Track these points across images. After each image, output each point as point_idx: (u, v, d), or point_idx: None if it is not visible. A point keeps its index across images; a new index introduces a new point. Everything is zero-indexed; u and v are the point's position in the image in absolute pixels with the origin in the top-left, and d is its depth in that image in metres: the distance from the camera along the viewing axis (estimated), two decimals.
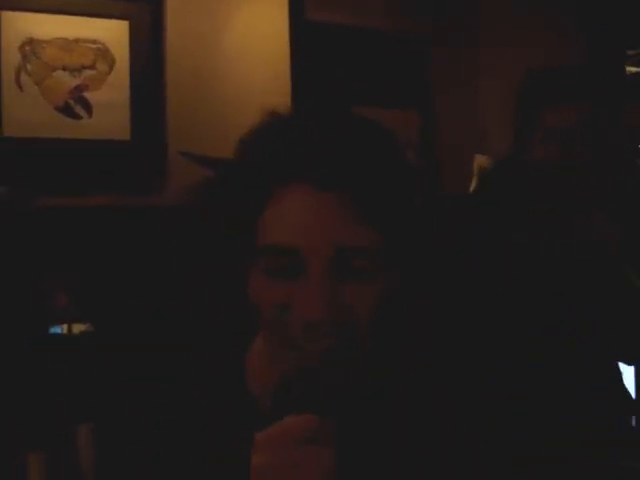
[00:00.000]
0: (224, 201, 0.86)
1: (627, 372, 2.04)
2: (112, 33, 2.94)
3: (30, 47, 2.81)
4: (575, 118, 1.60)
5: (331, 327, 0.78)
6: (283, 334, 0.81)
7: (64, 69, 2.86)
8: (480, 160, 3.66)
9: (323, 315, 0.77)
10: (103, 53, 2.92)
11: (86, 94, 2.89)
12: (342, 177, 0.77)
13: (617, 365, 1.78)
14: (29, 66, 2.81)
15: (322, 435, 0.71)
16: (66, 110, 2.86)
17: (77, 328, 2.64)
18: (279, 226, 0.79)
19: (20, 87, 2.79)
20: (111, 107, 2.92)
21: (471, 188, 2.84)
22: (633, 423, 1.84)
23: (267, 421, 0.74)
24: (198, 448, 0.90)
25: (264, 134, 0.83)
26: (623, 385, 1.79)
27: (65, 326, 2.64)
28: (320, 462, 0.70)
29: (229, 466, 0.85)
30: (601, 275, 1.60)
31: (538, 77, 1.72)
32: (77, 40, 2.89)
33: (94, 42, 2.91)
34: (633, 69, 3.61)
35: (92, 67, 2.90)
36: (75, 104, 2.87)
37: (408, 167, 0.86)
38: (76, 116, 2.88)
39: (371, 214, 0.77)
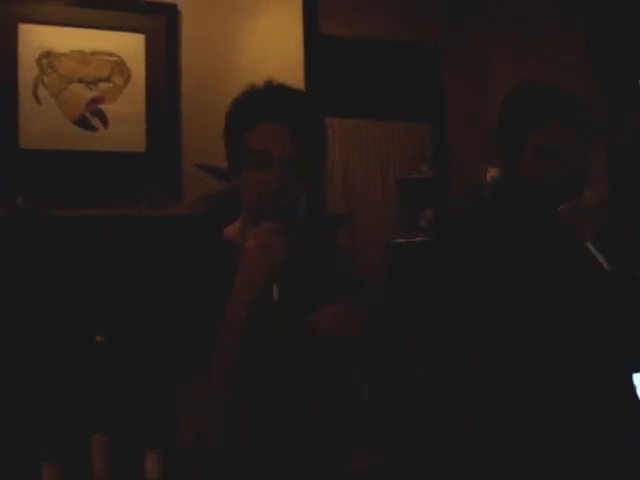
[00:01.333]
0: (233, 128, 1.50)
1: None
2: (128, 46, 2.97)
3: (47, 60, 2.85)
4: (562, 136, 1.69)
5: (285, 193, 1.39)
6: (258, 203, 1.41)
7: (80, 82, 2.90)
8: (492, 172, 3.67)
9: (282, 182, 1.39)
10: (119, 66, 2.95)
11: (102, 106, 2.92)
12: (290, 116, 1.44)
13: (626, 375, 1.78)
14: (46, 79, 2.84)
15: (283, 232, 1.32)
16: (82, 122, 2.89)
17: (93, 339, 2.65)
18: (257, 140, 1.43)
19: (37, 100, 2.83)
20: (127, 119, 2.95)
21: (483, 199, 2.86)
22: None
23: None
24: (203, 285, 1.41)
25: (253, 94, 1.50)
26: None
27: (82, 336, 2.65)
28: (282, 245, 1.30)
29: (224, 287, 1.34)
30: (574, 261, 1.67)
31: (523, 96, 1.81)
32: (93, 53, 2.92)
33: (110, 55, 2.94)
34: None
35: (108, 80, 2.93)
36: (91, 116, 2.90)
37: (320, 119, 1.55)
38: (92, 128, 2.90)
39: (301, 140, 1.44)
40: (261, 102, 1.48)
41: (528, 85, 1.82)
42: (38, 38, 2.84)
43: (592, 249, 1.61)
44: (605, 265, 1.59)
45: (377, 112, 4.42)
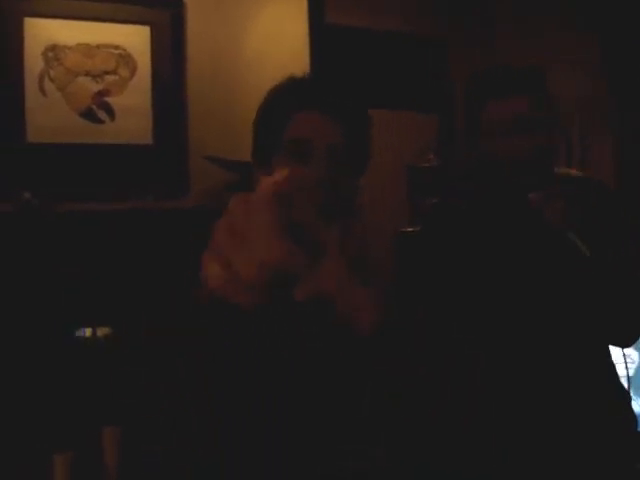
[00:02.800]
0: (268, 119, 1.39)
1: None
2: (134, 38, 2.97)
3: (53, 53, 2.85)
4: (511, 110, 1.65)
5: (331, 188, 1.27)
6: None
7: (87, 74, 2.90)
8: None
9: (326, 175, 1.28)
10: (125, 58, 2.95)
11: (108, 99, 2.92)
12: (334, 107, 1.34)
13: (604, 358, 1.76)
14: (52, 72, 2.85)
15: None
16: (89, 115, 2.89)
17: (102, 331, 2.67)
18: (299, 128, 1.32)
19: (43, 93, 2.83)
20: (133, 112, 2.95)
21: None
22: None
23: None
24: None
25: (292, 83, 1.41)
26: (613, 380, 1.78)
27: (90, 329, 2.66)
28: None
29: None
30: (550, 245, 1.64)
31: (478, 77, 1.77)
32: (99, 46, 2.92)
33: (116, 48, 2.94)
34: None
35: (114, 72, 2.93)
36: (98, 109, 2.90)
37: (363, 110, 1.44)
38: (99, 121, 2.91)
39: (344, 129, 1.34)
40: (301, 90, 1.40)
41: (483, 70, 1.80)
42: (44, 31, 2.84)
43: (569, 235, 1.59)
44: (584, 250, 1.58)
45: (383, 102, 4.41)
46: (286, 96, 1.39)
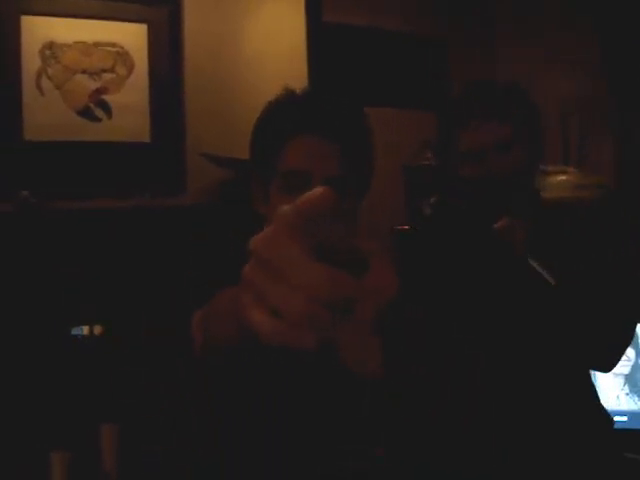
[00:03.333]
0: (262, 142, 1.27)
1: None
2: (131, 36, 2.97)
3: (50, 51, 2.84)
4: (483, 137, 1.63)
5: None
6: None
7: (84, 72, 2.89)
8: None
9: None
10: (122, 56, 2.95)
11: (106, 97, 2.92)
12: (336, 131, 1.21)
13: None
14: (49, 70, 2.84)
15: None
16: (86, 113, 2.89)
17: (99, 329, 2.66)
18: (296, 158, 1.20)
19: (41, 91, 2.82)
20: (131, 110, 2.95)
21: None
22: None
23: None
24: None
25: (287, 102, 1.27)
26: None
27: (87, 327, 2.66)
28: None
29: None
30: (512, 274, 1.63)
31: (451, 105, 1.77)
32: (96, 44, 2.92)
33: (113, 45, 2.94)
34: None
35: (112, 70, 2.93)
36: (95, 107, 2.90)
37: (368, 132, 1.32)
38: (96, 119, 2.90)
39: (345, 155, 1.21)
40: (298, 111, 1.26)
41: (458, 97, 1.79)
42: (41, 29, 2.83)
43: (534, 264, 1.58)
44: (549, 279, 1.56)
45: (381, 100, 4.41)
46: (281, 117, 1.27)
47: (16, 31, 2.79)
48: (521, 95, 1.72)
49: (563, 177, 3.30)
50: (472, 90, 1.72)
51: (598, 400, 1.77)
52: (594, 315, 1.60)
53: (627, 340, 1.69)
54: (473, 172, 1.66)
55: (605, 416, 1.76)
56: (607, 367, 1.73)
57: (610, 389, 2.57)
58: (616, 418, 1.86)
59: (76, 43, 2.88)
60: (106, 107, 2.91)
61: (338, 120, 1.24)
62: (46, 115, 2.83)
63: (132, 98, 2.95)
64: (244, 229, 1.18)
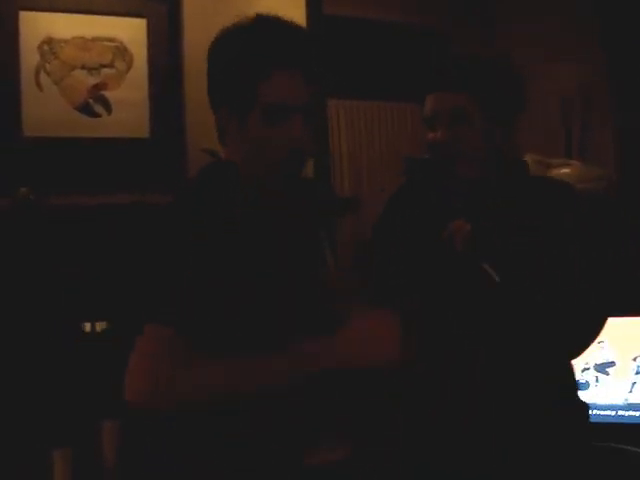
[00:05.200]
0: (239, 75, 1.32)
1: None
2: (130, 31, 2.95)
3: (49, 46, 2.83)
4: (434, 105, 1.68)
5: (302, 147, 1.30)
6: (272, 157, 1.30)
7: (83, 68, 2.88)
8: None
9: (302, 134, 1.28)
10: (121, 51, 2.93)
11: (105, 93, 2.90)
12: (308, 65, 1.31)
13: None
14: (48, 66, 2.83)
15: None
16: (85, 109, 2.88)
17: (101, 326, 2.66)
18: (277, 92, 1.28)
19: (39, 87, 2.81)
20: (130, 105, 2.93)
21: None
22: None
23: None
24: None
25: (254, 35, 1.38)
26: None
27: (88, 324, 2.66)
28: None
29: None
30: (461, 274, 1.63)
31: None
32: (95, 39, 2.90)
33: (112, 40, 2.92)
34: None
35: (111, 65, 2.91)
36: (94, 103, 2.89)
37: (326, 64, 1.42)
38: (95, 115, 2.89)
39: (313, 86, 1.31)
40: (270, 46, 1.33)
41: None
42: (39, 25, 2.82)
43: (484, 265, 1.57)
44: (495, 278, 1.55)
45: (382, 93, 4.39)
46: (255, 53, 1.34)
47: (14, 27, 2.77)
48: (486, 65, 1.72)
49: (566, 170, 3.30)
50: (435, 61, 1.78)
51: (573, 389, 1.76)
52: (544, 308, 1.59)
53: (592, 329, 1.67)
54: (428, 138, 1.70)
55: (579, 406, 1.75)
56: (571, 355, 1.72)
57: None
58: None
59: (75, 38, 2.87)
60: (105, 103, 2.90)
61: (308, 54, 1.34)
62: (45, 111, 2.81)
63: (131, 93, 2.94)
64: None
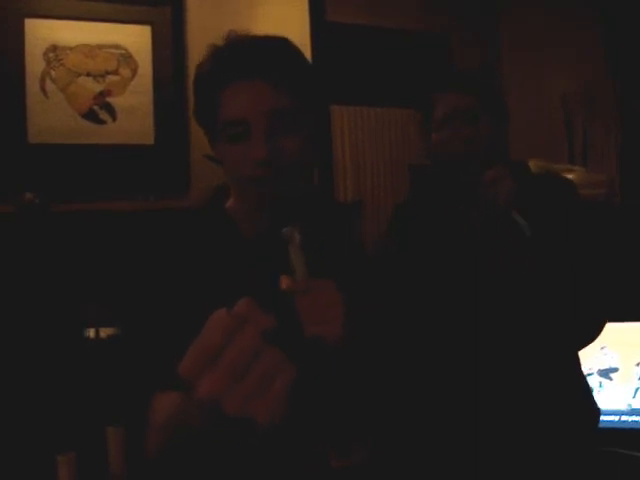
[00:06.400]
0: (200, 94, 1.28)
1: None
2: (134, 38, 2.97)
3: (54, 54, 2.85)
4: (452, 104, 1.74)
5: (274, 163, 1.17)
6: (242, 176, 1.22)
7: (88, 75, 2.89)
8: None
9: (266, 154, 1.16)
10: (126, 58, 2.95)
11: (110, 99, 2.92)
12: (264, 67, 1.19)
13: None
14: (53, 73, 2.84)
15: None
16: (91, 116, 2.89)
17: (105, 332, 2.66)
18: (231, 107, 1.20)
19: (45, 93, 2.83)
20: (135, 112, 2.95)
21: None
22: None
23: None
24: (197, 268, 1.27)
25: (217, 53, 1.27)
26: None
27: (93, 330, 2.66)
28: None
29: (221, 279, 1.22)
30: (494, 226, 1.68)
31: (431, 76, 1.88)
32: (100, 46, 2.92)
33: (117, 47, 2.94)
34: None
35: (115, 72, 2.93)
36: (99, 110, 2.90)
37: (305, 65, 1.30)
38: (100, 121, 2.91)
39: (284, 89, 1.19)
40: (220, 63, 1.25)
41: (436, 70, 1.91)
42: (44, 32, 2.83)
43: (515, 217, 1.61)
44: (526, 231, 1.59)
45: (385, 99, 4.40)
46: (209, 73, 1.27)
47: (20, 34, 2.79)
48: (487, 71, 1.85)
49: (569, 176, 3.30)
50: (443, 69, 1.87)
51: (587, 392, 1.77)
52: (567, 276, 1.63)
53: (602, 312, 1.70)
54: (442, 136, 1.75)
55: (589, 408, 1.76)
56: (585, 339, 1.74)
57: None
58: None
59: (80, 45, 2.88)
60: (110, 109, 2.91)
61: (264, 59, 1.22)
62: (50, 118, 2.83)
63: (136, 100, 2.95)
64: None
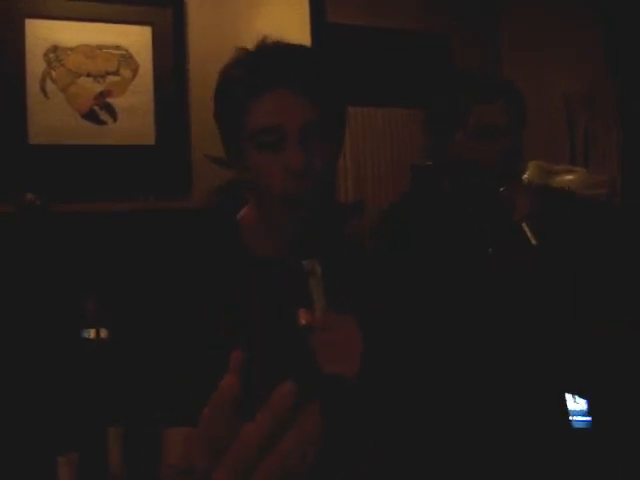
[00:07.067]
0: (229, 100, 1.24)
1: None
2: (135, 39, 2.97)
3: (54, 54, 2.85)
4: (494, 116, 1.71)
5: (307, 175, 1.16)
6: (273, 189, 1.18)
7: (88, 75, 2.89)
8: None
9: (302, 164, 1.15)
10: (126, 59, 2.95)
11: (110, 100, 2.92)
12: (302, 81, 1.18)
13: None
14: (54, 73, 2.84)
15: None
16: (91, 116, 2.89)
17: (105, 332, 2.66)
18: (267, 115, 1.18)
19: (45, 94, 2.83)
20: (135, 112, 2.94)
21: None
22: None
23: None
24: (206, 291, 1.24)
25: (247, 59, 1.26)
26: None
27: (93, 331, 2.66)
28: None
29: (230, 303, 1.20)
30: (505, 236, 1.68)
31: (458, 79, 1.86)
32: (100, 46, 2.92)
33: (117, 48, 2.94)
34: None
35: (116, 73, 2.93)
36: (100, 110, 2.90)
37: (337, 78, 1.26)
38: (101, 122, 2.90)
39: (317, 102, 1.18)
40: (256, 69, 1.21)
41: (460, 73, 1.87)
42: (45, 33, 2.83)
43: (526, 229, 1.61)
44: (533, 241, 1.59)
45: (387, 100, 4.40)
46: (241, 78, 1.22)
47: (20, 34, 2.79)
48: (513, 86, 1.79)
49: (570, 177, 3.30)
50: (479, 73, 1.82)
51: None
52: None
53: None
54: (478, 147, 1.71)
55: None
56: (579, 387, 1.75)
57: None
58: None
59: (80, 46, 2.88)
60: (111, 110, 2.91)
61: (300, 69, 1.20)
62: (51, 118, 2.83)
63: (137, 101, 2.95)
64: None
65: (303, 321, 1.08)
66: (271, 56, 1.23)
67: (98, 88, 2.91)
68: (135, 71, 2.96)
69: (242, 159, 1.23)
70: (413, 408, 1.30)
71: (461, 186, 1.78)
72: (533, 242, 1.59)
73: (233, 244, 1.29)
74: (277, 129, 1.17)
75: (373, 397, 1.16)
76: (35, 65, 2.81)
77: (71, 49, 2.87)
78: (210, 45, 3.11)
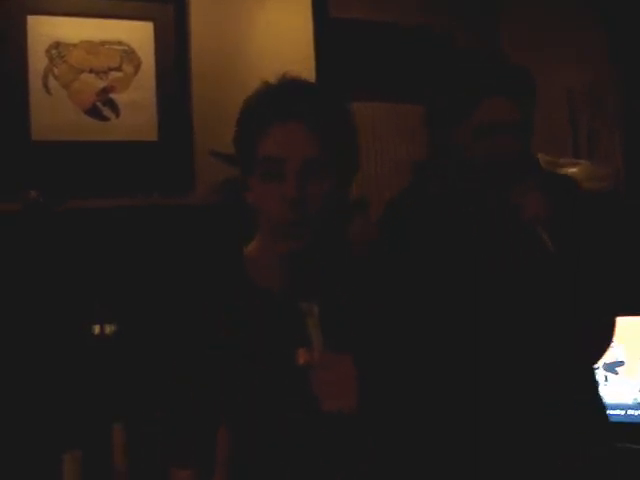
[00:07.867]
0: (242, 132, 1.33)
1: None
2: (137, 34, 2.96)
3: (57, 51, 2.84)
4: (500, 111, 1.63)
5: (302, 206, 1.22)
6: (275, 221, 1.25)
7: (91, 71, 2.89)
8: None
9: (298, 194, 1.22)
10: (129, 55, 2.94)
11: (113, 96, 2.91)
12: (310, 116, 1.25)
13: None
14: (56, 69, 2.84)
15: None
16: (94, 112, 2.88)
17: (109, 329, 2.66)
18: (273, 144, 1.25)
19: (48, 91, 2.82)
20: (138, 108, 2.94)
21: None
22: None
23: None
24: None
25: (261, 94, 1.32)
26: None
27: (98, 327, 2.66)
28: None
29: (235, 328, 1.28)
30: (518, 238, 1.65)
31: (468, 72, 1.75)
32: (103, 42, 2.91)
33: (120, 44, 2.93)
34: None
35: (118, 69, 2.92)
36: (103, 106, 2.89)
37: (345, 113, 1.33)
38: (104, 118, 2.90)
39: (322, 139, 1.25)
40: (270, 101, 1.29)
41: (469, 64, 1.79)
42: (47, 29, 2.83)
43: (542, 234, 1.58)
44: (550, 247, 1.56)
45: (390, 95, 4.38)
46: (257, 108, 1.31)
47: (22, 31, 2.78)
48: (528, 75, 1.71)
49: (574, 169, 3.29)
50: (489, 63, 1.73)
51: (595, 391, 1.76)
52: (588, 294, 1.61)
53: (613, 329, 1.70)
54: (485, 144, 1.65)
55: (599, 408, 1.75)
56: (594, 355, 1.74)
57: None
58: None
59: (82, 42, 2.87)
60: (113, 106, 2.91)
61: (311, 106, 1.27)
62: (53, 115, 2.82)
63: (139, 96, 2.95)
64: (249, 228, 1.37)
65: (301, 360, 1.14)
66: (287, 90, 1.31)
67: (100, 84, 2.90)
68: (137, 67, 2.95)
69: (250, 190, 1.32)
70: (413, 408, 1.31)
71: (462, 185, 1.74)
72: (550, 248, 1.56)
73: (237, 274, 1.36)
74: (278, 159, 1.25)
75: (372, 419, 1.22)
76: (37, 61, 2.80)
77: (73, 45, 2.86)
78: (212, 40, 3.10)
